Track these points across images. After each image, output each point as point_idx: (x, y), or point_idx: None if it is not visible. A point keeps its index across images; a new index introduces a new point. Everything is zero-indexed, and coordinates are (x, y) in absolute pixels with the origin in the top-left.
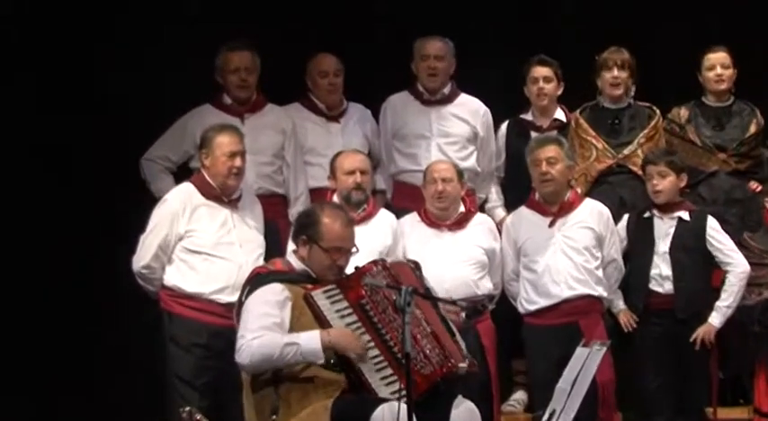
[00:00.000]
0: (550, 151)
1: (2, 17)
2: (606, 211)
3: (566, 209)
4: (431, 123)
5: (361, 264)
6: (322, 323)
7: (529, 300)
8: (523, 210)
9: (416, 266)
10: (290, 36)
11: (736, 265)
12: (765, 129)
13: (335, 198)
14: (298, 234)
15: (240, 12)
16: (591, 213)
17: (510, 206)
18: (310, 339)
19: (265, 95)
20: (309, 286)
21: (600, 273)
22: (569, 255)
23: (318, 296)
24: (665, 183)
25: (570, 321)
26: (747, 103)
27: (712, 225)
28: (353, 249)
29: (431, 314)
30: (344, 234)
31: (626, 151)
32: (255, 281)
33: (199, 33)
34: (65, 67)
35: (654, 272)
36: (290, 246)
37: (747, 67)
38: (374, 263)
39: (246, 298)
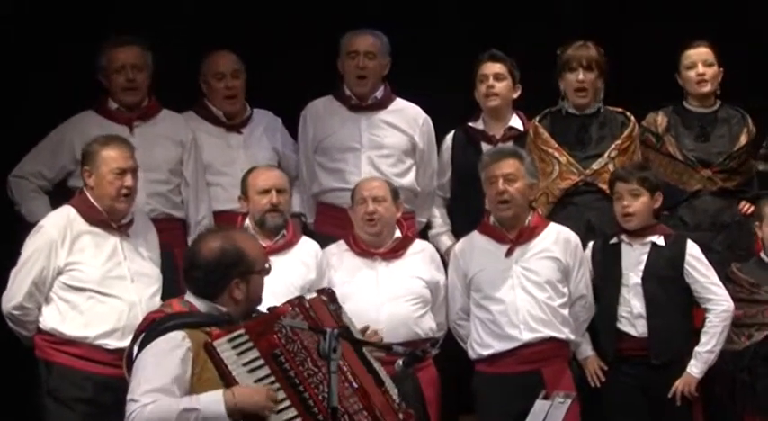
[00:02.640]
0: (508, 166)
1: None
2: (574, 238)
3: (526, 235)
4: (360, 133)
5: (277, 304)
6: (226, 379)
7: (481, 344)
8: (475, 237)
9: (330, 298)
10: (187, 32)
11: (719, 302)
12: (757, 140)
13: (247, 222)
14: (225, 278)
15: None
16: (556, 241)
17: (458, 232)
18: (212, 402)
19: (160, 100)
20: (216, 331)
21: (566, 312)
22: (530, 290)
23: (222, 346)
24: (636, 204)
25: (531, 369)
26: (737, 108)
27: (692, 252)
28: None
29: (353, 359)
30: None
31: (594, 166)
32: (150, 329)
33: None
34: None
35: (623, 309)
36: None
37: (736, 66)
38: (290, 303)
39: (140, 350)
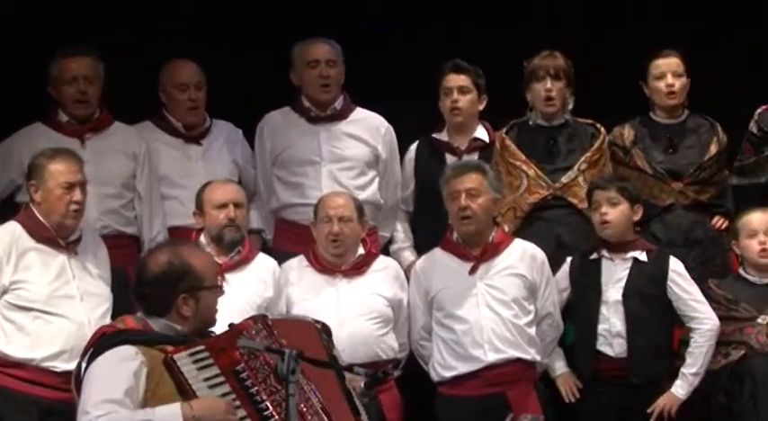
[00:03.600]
0: (471, 181)
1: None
2: (540, 255)
3: (490, 252)
4: (320, 145)
5: (236, 321)
6: (186, 394)
7: (444, 366)
8: (438, 253)
9: (323, 329)
10: (139, 40)
11: (703, 321)
12: (729, 149)
13: (203, 238)
14: (172, 294)
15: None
16: (521, 257)
17: (421, 248)
18: (169, 414)
19: (111, 112)
20: (171, 348)
21: (532, 331)
22: (495, 309)
23: (183, 360)
24: (615, 212)
25: (496, 392)
26: (706, 117)
27: (675, 268)
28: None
29: (328, 385)
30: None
31: (564, 179)
32: (101, 342)
33: None
34: None
35: (602, 327)
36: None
37: (703, 75)
38: (253, 319)
39: (89, 364)
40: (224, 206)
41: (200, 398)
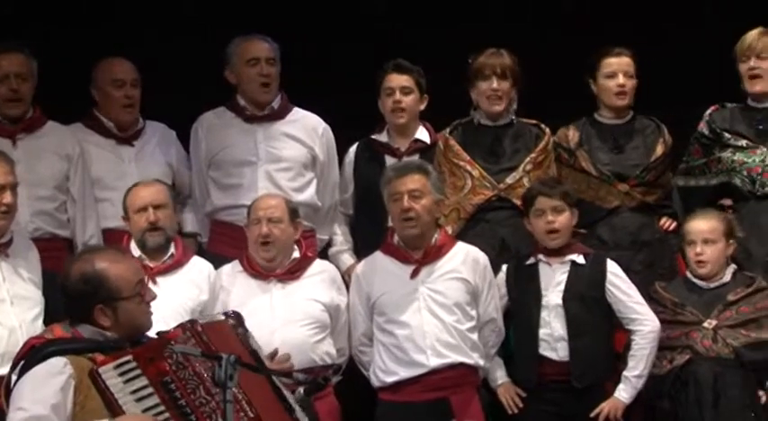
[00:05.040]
0: (414, 182)
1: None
2: (483, 258)
3: (433, 255)
4: (257, 145)
5: (167, 327)
6: (112, 409)
7: (386, 371)
8: (378, 257)
9: (237, 321)
10: (72, 36)
11: (644, 322)
12: (675, 151)
13: (133, 243)
14: (86, 305)
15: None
16: (464, 261)
17: (360, 251)
18: None
19: (45, 112)
20: (100, 358)
21: (475, 336)
22: (437, 313)
23: (108, 373)
24: (561, 220)
25: (438, 397)
26: (651, 118)
27: (613, 270)
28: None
29: (256, 386)
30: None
31: (509, 180)
32: (30, 356)
33: None
34: None
35: (544, 332)
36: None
37: (649, 75)
38: (182, 327)
39: (19, 377)
40: (143, 210)
41: (128, 415)
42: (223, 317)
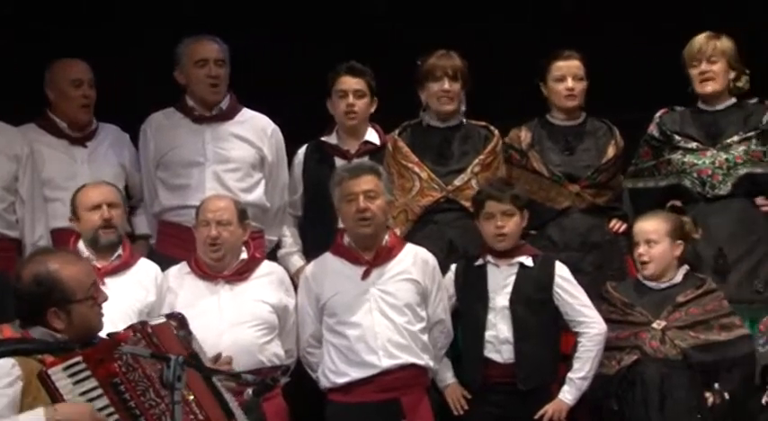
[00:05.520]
0: (368, 183)
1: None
2: (432, 260)
3: (383, 256)
4: (204, 146)
5: (115, 328)
6: None
7: (336, 372)
8: (328, 259)
9: (180, 323)
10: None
11: (590, 325)
12: (626, 153)
13: (81, 243)
14: (39, 308)
15: None
16: (414, 262)
17: (309, 253)
18: (33, 418)
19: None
20: (50, 359)
21: (426, 337)
22: (388, 314)
23: (57, 374)
24: (511, 224)
25: (389, 398)
26: (603, 120)
27: (561, 273)
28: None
29: (200, 388)
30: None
31: (457, 182)
32: None
33: None
34: None
35: (490, 333)
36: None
37: (599, 77)
38: (132, 328)
39: None
40: (98, 207)
41: (66, 403)
42: (164, 319)
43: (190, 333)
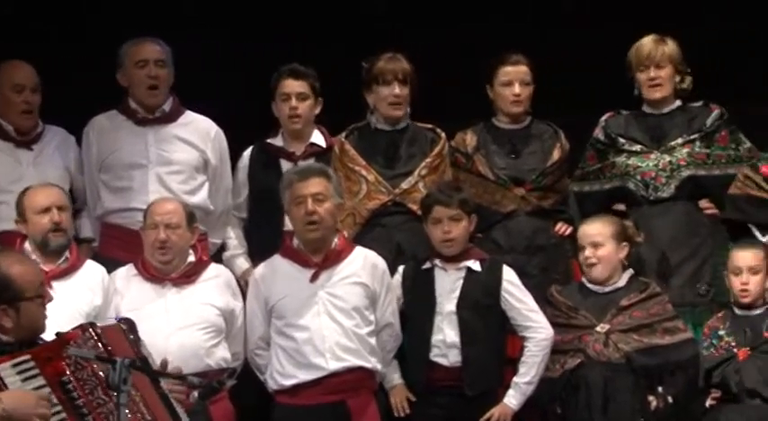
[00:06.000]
0: (316, 185)
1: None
2: (381, 263)
3: (332, 259)
4: (147, 148)
5: (63, 330)
6: None
7: (284, 374)
8: (277, 261)
9: (130, 327)
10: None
11: (537, 330)
12: (572, 157)
13: (27, 245)
14: None
15: None
16: (363, 265)
17: (255, 255)
18: None
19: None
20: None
21: (374, 340)
22: (336, 317)
23: (6, 371)
24: (459, 229)
25: (336, 400)
26: (549, 123)
27: (509, 277)
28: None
29: (148, 392)
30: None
31: (404, 185)
32: None
33: None
34: None
35: (436, 338)
36: None
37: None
38: (81, 328)
39: None
40: (47, 210)
41: (10, 391)
42: (114, 322)
43: (139, 338)
